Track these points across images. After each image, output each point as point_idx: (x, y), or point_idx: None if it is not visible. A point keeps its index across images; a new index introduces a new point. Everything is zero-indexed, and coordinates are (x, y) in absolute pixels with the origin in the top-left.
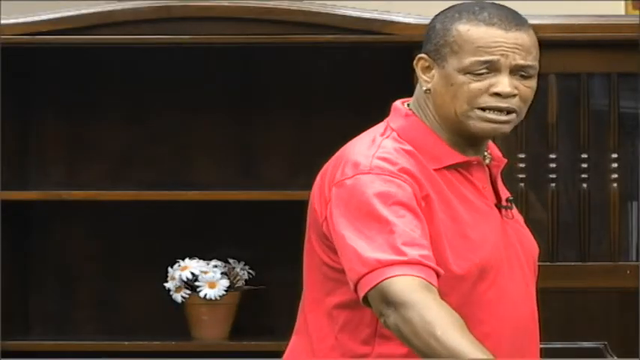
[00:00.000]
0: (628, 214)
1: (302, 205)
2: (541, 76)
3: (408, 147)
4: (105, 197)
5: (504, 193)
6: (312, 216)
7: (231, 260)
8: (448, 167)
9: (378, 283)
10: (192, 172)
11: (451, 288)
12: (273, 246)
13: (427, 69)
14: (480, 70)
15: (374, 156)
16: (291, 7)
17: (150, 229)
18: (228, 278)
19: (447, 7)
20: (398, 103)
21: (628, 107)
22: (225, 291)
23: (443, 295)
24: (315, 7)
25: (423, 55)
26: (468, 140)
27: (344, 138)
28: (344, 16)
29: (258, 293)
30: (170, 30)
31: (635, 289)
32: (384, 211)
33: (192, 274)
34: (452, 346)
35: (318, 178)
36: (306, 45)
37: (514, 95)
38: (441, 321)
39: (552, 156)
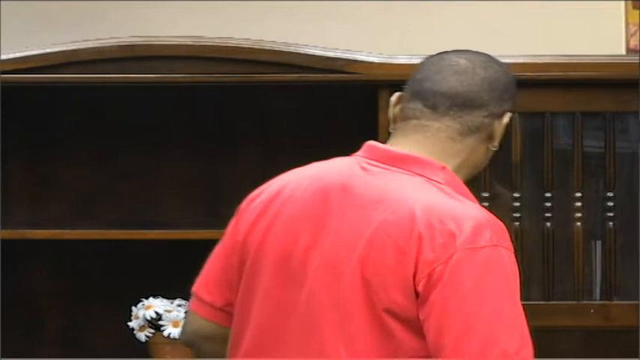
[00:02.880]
0: (592, 253)
1: None
2: None
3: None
4: (69, 236)
5: None
6: (389, 275)
7: None
8: None
9: None
10: (158, 211)
11: None
12: None
13: None
14: None
15: (494, 221)
16: (255, 46)
17: (114, 267)
18: None
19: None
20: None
21: (592, 146)
22: None
23: None
24: (279, 46)
25: None
26: None
27: None
28: (308, 55)
29: None
30: (135, 69)
31: (596, 328)
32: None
33: (156, 313)
34: None
35: (391, 232)
36: (270, 84)
37: None
38: None
39: (516, 195)
